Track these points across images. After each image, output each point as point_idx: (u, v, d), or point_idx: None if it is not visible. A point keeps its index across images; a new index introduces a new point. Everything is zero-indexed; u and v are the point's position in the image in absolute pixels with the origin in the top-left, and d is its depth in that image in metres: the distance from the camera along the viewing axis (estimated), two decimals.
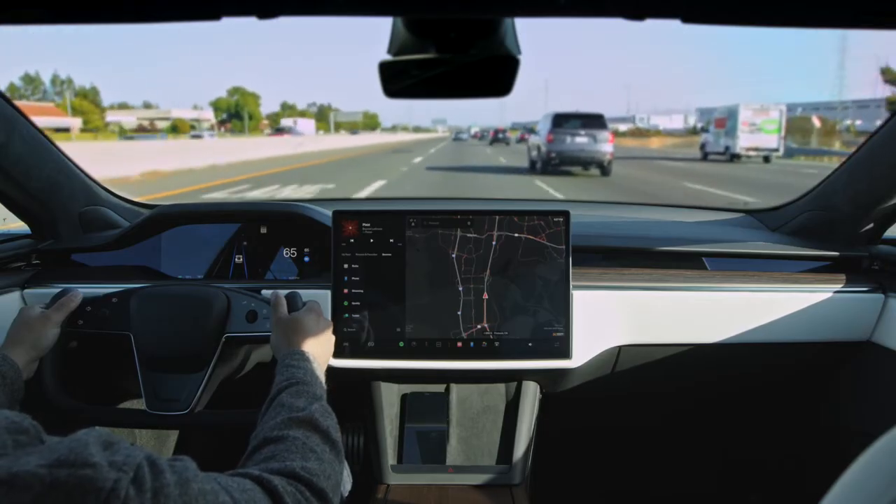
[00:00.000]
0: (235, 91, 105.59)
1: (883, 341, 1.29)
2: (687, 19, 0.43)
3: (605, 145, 14.93)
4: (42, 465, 0.45)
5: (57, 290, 1.14)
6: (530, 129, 19.29)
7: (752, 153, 21.99)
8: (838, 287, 1.31)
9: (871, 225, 1.34)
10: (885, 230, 1.36)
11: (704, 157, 24.95)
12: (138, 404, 1.14)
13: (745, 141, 21.90)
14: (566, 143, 14.94)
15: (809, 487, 1.44)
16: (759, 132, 21.96)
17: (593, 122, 15.26)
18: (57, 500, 0.45)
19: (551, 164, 15.26)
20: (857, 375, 1.36)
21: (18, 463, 0.45)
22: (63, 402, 1.09)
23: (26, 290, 1.30)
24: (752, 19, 0.46)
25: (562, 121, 15.28)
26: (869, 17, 0.44)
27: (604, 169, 15.24)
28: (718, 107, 24.49)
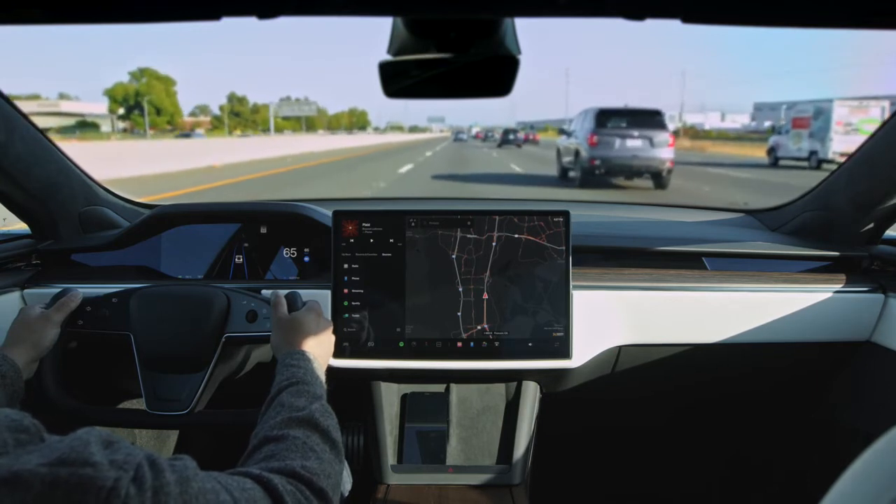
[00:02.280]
0: (143, 73, 75.75)
1: (883, 341, 1.29)
2: (687, 19, 0.44)
3: (664, 150, 11.42)
4: (43, 463, 0.46)
5: (57, 290, 1.14)
6: (562, 130, 14.90)
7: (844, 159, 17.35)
8: (838, 287, 1.31)
9: (871, 225, 1.34)
10: (885, 230, 1.36)
11: (774, 162, 20.42)
12: (138, 404, 1.14)
13: (839, 144, 17.30)
14: (614, 148, 11.40)
15: (810, 487, 1.44)
16: (855, 133, 17.13)
17: (648, 120, 11.80)
18: (58, 498, 0.45)
19: (595, 172, 11.77)
20: (857, 375, 1.36)
21: (19, 461, 0.45)
22: (63, 402, 1.09)
23: (26, 290, 1.30)
24: (752, 19, 0.46)
25: (607, 118, 11.75)
26: (869, 17, 0.44)
27: (660, 179, 11.70)
28: (798, 102, 19.96)
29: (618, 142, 11.47)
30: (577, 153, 12.43)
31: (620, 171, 11.97)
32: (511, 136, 40.16)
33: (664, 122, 12.11)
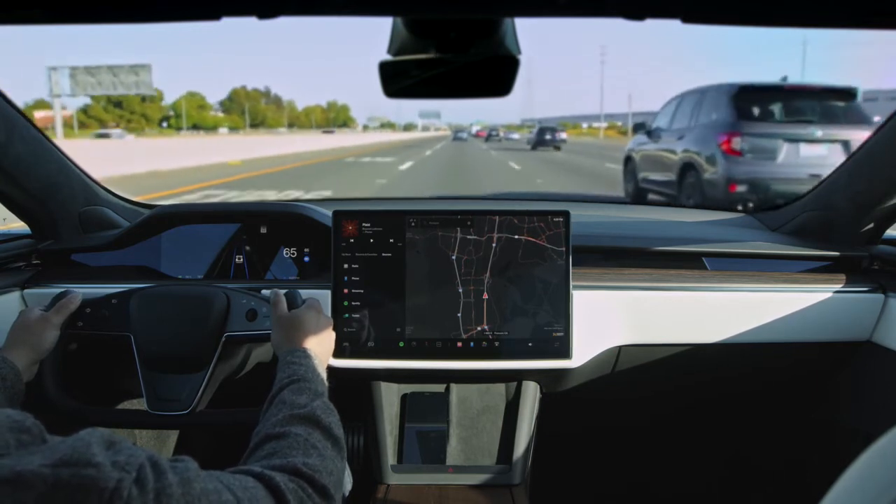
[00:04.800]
0: None
1: (883, 341, 1.29)
2: (687, 19, 0.44)
3: None
4: (45, 464, 0.45)
5: (57, 291, 1.14)
6: (640, 126, 8.72)
7: None
8: (838, 287, 1.31)
9: (871, 225, 1.34)
10: (885, 230, 1.36)
11: None
12: (139, 404, 1.14)
13: None
14: (777, 160, 5.76)
15: (810, 487, 1.44)
16: None
17: (835, 107, 6.01)
18: (60, 499, 0.45)
19: (739, 206, 5.60)
20: (857, 375, 1.36)
21: (22, 462, 0.45)
22: (64, 403, 1.09)
23: (26, 291, 1.30)
24: (752, 19, 0.46)
25: (759, 104, 6.07)
26: (869, 17, 0.45)
27: None
28: None
29: (784, 148, 5.76)
30: (686, 168, 6.44)
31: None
32: (548, 136, 29.41)
33: (862, 110, 6.09)
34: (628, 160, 8.78)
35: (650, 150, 7.83)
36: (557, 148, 28.95)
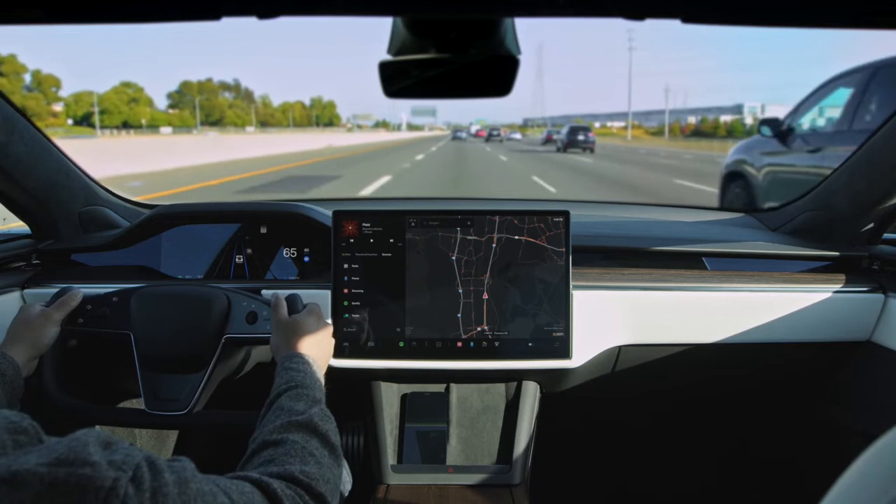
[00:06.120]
0: None
1: (883, 341, 1.29)
2: (687, 19, 0.44)
3: None
4: (41, 463, 0.45)
5: (57, 290, 1.14)
6: (770, 123, 4.74)
7: None
8: (838, 287, 1.31)
9: (871, 225, 1.34)
10: (885, 230, 1.37)
11: None
12: (138, 404, 1.14)
13: None
14: None
15: (809, 487, 1.44)
16: None
17: None
18: (56, 498, 0.45)
19: None
20: (857, 375, 1.36)
21: (18, 462, 0.45)
22: (63, 400, 1.09)
23: (26, 290, 1.30)
24: (752, 19, 0.46)
25: None
26: (869, 17, 0.45)
27: None
28: None
29: None
30: None
31: None
32: (581, 137, 28.02)
33: None
34: (734, 177, 5.37)
35: (791, 164, 4.74)
36: (591, 149, 27.07)
